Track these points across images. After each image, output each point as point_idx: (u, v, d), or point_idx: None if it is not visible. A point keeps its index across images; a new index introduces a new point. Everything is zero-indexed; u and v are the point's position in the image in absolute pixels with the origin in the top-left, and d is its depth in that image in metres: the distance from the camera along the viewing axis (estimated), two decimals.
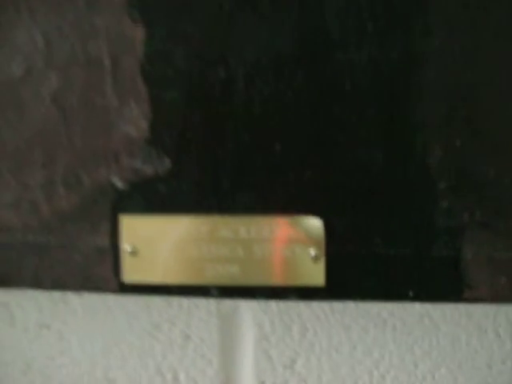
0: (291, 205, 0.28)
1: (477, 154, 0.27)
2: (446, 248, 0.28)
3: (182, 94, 0.28)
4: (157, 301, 0.33)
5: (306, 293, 0.28)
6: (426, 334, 0.32)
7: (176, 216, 0.28)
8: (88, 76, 0.28)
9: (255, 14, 0.27)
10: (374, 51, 0.27)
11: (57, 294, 0.33)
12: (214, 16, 0.27)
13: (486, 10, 0.26)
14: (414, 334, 0.33)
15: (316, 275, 0.28)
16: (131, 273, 0.28)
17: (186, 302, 0.33)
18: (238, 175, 0.28)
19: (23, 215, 0.29)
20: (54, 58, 0.28)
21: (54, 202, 0.29)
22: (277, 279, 0.28)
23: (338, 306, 0.32)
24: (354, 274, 0.28)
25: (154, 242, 0.28)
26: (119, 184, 0.28)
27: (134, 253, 0.28)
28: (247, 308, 0.33)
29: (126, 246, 0.28)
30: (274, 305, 0.33)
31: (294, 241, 0.28)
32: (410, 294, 0.28)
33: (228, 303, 0.33)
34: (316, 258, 0.28)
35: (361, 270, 0.28)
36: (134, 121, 0.28)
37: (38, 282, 0.29)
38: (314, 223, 0.28)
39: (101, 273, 0.29)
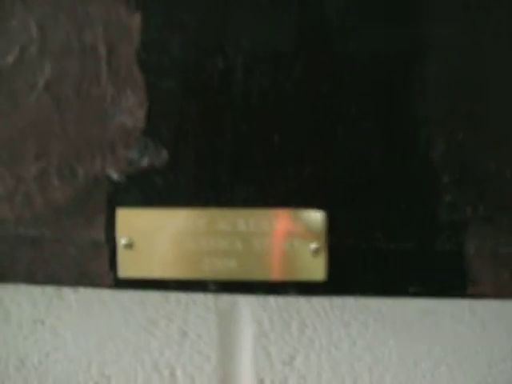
0: (291, 198, 0.28)
1: (480, 148, 0.27)
2: (449, 242, 0.27)
3: (179, 84, 0.27)
4: (153, 296, 0.33)
5: (305, 288, 0.28)
6: (426, 330, 0.32)
7: (173, 209, 0.28)
8: (83, 64, 0.28)
9: (253, 3, 0.27)
10: (374, 42, 0.27)
11: (51, 289, 0.33)
12: (212, 4, 0.27)
13: (489, 4, 0.26)
14: (415, 331, 0.32)
15: (316, 270, 0.28)
16: (127, 267, 0.28)
17: (183, 297, 0.33)
18: (237, 167, 0.28)
19: (16, 208, 0.29)
20: (47, 46, 0.28)
21: (47, 195, 0.29)
22: (276, 274, 0.28)
23: (337, 301, 0.32)
24: (354, 269, 0.28)
25: (151, 235, 0.28)
26: (115, 176, 0.28)
27: (130, 247, 0.28)
28: (246, 304, 0.33)
29: (121, 240, 0.28)
30: (272, 301, 0.32)
31: (294, 234, 0.28)
32: (412, 289, 0.28)
33: (226, 299, 0.33)
34: (316, 252, 0.27)
35: (362, 265, 0.28)
36: (130, 110, 0.28)
37: (32, 276, 0.29)
38: (315, 216, 0.27)
39: (96, 267, 0.29)
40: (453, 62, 0.27)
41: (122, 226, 0.28)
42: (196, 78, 0.27)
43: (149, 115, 0.28)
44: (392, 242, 0.28)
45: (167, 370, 0.34)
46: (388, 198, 0.28)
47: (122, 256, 0.28)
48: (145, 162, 0.28)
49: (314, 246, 0.27)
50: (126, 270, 0.28)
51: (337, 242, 0.28)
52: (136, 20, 0.27)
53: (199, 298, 0.33)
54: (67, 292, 0.33)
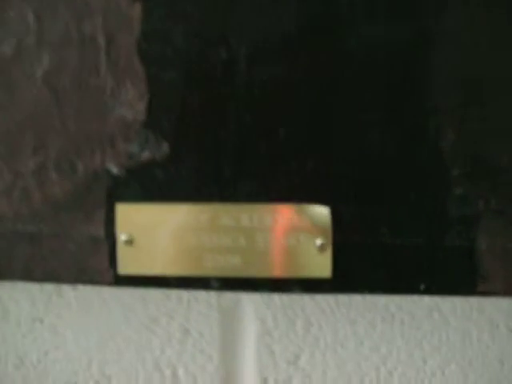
0: (295, 192, 0.27)
1: (492, 139, 0.27)
2: (460, 238, 0.27)
3: (180, 75, 0.27)
4: (154, 293, 0.33)
5: (310, 285, 0.28)
6: (435, 328, 0.32)
7: (175, 204, 0.28)
8: (81, 55, 0.27)
9: None
10: (383, 31, 0.26)
11: (50, 287, 0.33)
12: None
13: None
14: (423, 329, 0.32)
15: (322, 266, 0.27)
16: (127, 264, 0.28)
17: (185, 294, 0.33)
18: (240, 161, 0.27)
19: (14, 203, 0.28)
20: (45, 36, 0.27)
21: (46, 189, 0.28)
22: (280, 271, 0.28)
23: (343, 299, 0.32)
24: (361, 266, 0.28)
25: (152, 231, 0.28)
26: (115, 170, 0.28)
27: (130, 243, 0.28)
28: (249, 301, 0.32)
29: (121, 236, 0.28)
30: (277, 298, 0.32)
31: (299, 230, 0.27)
32: (421, 286, 0.28)
33: (229, 296, 0.32)
34: (322, 249, 0.27)
35: (369, 262, 0.28)
36: (131, 103, 0.27)
37: (30, 273, 0.29)
38: (321, 211, 0.27)
39: (95, 264, 0.29)
40: (465, 50, 0.26)
41: (122, 221, 0.28)
42: (198, 68, 0.27)
43: (149, 107, 0.27)
44: (400, 237, 0.27)
45: (169, 369, 0.34)
46: (395, 192, 0.27)
47: (122, 252, 0.28)
48: (145, 156, 0.28)
49: (319, 241, 0.27)
50: (126, 266, 0.28)
51: (343, 238, 0.27)
52: (136, 9, 0.27)
53: (201, 295, 0.33)
54: (66, 289, 0.33)
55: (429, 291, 0.28)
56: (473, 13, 0.26)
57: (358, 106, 0.27)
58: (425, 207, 0.27)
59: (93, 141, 0.28)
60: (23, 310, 0.34)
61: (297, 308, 0.32)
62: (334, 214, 0.27)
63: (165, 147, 0.28)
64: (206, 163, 0.28)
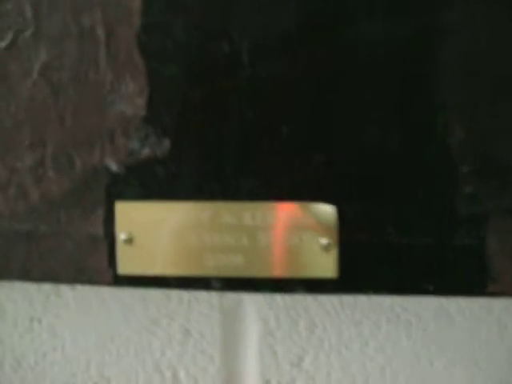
0: (299, 190, 0.27)
1: (502, 136, 0.27)
2: (469, 237, 0.27)
3: (182, 69, 0.27)
4: (154, 293, 0.33)
5: (315, 285, 0.28)
6: (442, 329, 0.32)
7: (175, 202, 0.28)
8: (80, 49, 0.27)
9: None
10: (389, 23, 0.26)
11: (48, 286, 0.33)
12: None
13: None
14: (429, 330, 0.32)
15: (327, 266, 0.27)
16: (127, 263, 0.28)
17: (185, 294, 0.33)
18: (243, 157, 0.27)
19: (10, 200, 0.28)
20: (43, 29, 0.27)
21: (43, 186, 0.28)
22: (284, 270, 0.27)
23: (348, 299, 0.32)
24: (367, 266, 0.27)
25: (152, 230, 0.28)
26: (114, 167, 0.28)
27: (129, 242, 0.28)
28: (251, 301, 0.32)
29: (121, 235, 0.28)
30: (279, 298, 0.32)
31: (303, 229, 0.27)
32: (429, 287, 0.27)
33: (231, 296, 0.32)
34: (327, 248, 0.27)
35: (375, 261, 0.27)
36: (130, 97, 0.27)
37: (27, 273, 0.29)
38: (326, 210, 0.27)
39: (94, 263, 0.29)
40: (474, 43, 0.26)
41: (122, 219, 0.28)
42: (200, 62, 0.27)
43: (150, 102, 0.27)
44: (408, 236, 0.27)
45: (169, 370, 0.34)
46: (403, 190, 0.27)
47: (122, 252, 0.28)
48: (145, 152, 0.28)
49: (324, 241, 0.27)
50: (125, 266, 0.28)
51: (348, 237, 0.27)
52: (136, 1, 0.27)
53: (202, 295, 0.33)
54: (65, 289, 0.33)
55: (437, 292, 0.28)
56: (484, 7, 0.26)
57: (363, 102, 0.27)
58: (433, 206, 0.27)
59: (91, 137, 0.28)
60: (20, 309, 0.34)
61: (300, 308, 0.32)
62: (340, 213, 0.27)
63: (165, 143, 0.27)
64: (208, 160, 0.27)
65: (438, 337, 0.32)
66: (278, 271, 0.27)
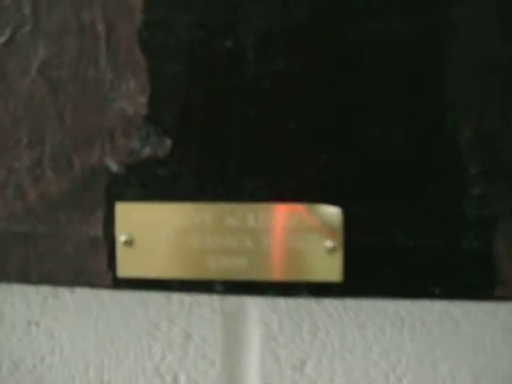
0: (304, 191, 0.27)
1: (510, 137, 0.27)
2: (477, 240, 0.27)
3: (184, 67, 0.27)
4: (155, 296, 0.32)
5: (320, 289, 0.28)
6: (446, 333, 0.32)
7: (177, 203, 0.28)
8: (80, 45, 0.27)
9: None
10: (398, 20, 0.26)
11: (46, 289, 0.33)
12: None
13: None
14: (434, 334, 0.32)
15: (331, 269, 0.27)
16: (127, 266, 0.28)
17: (186, 298, 0.32)
18: (246, 158, 0.27)
19: (7, 201, 0.28)
20: (41, 26, 0.27)
21: (41, 187, 0.28)
22: (288, 274, 0.27)
23: (352, 303, 0.32)
24: (373, 269, 0.27)
25: (153, 231, 0.28)
26: (114, 167, 0.28)
27: (130, 244, 0.28)
28: (253, 305, 0.32)
29: (121, 237, 0.28)
30: (282, 302, 0.32)
31: (308, 231, 0.27)
32: (436, 290, 0.27)
33: (233, 300, 0.32)
34: (332, 251, 0.27)
35: (382, 264, 0.27)
36: (131, 96, 0.27)
37: (25, 275, 0.29)
38: (331, 212, 0.27)
39: (93, 266, 0.28)
40: (484, 40, 0.26)
41: (122, 221, 0.28)
42: (203, 60, 0.27)
43: (151, 101, 0.27)
44: (414, 239, 0.27)
45: (169, 375, 0.33)
46: (410, 191, 0.27)
47: (122, 254, 0.28)
48: (146, 152, 0.28)
49: (329, 243, 0.27)
50: (125, 268, 0.28)
51: (353, 239, 0.27)
52: None
53: (204, 298, 0.32)
54: (63, 292, 0.33)
55: (443, 296, 0.28)
56: (495, 4, 0.26)
57: (370, 101, 0.27)
58: (440, 207, 0.27)
59: (91, 136, 0.28)
60: (18, 312, 0.33)
61: (303, 312, 0.32)
62: (345, 214, 0.27)
63: (167, 143, 0.27)
64: (210, 160, 0.27)
65: (443, 341, 0.32)
66: (281, 274, 0.27)
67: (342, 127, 0.27)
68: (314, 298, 0.31)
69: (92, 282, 0.28)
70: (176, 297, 0.32)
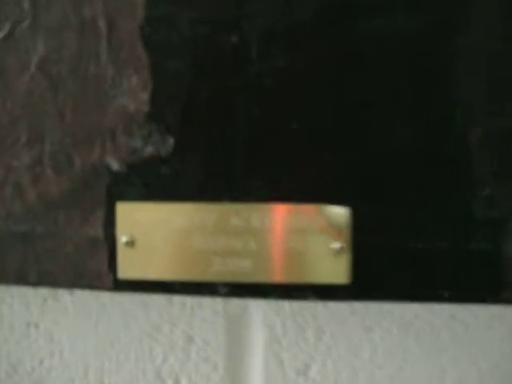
0: (310, 191, 0.27)
1: None
2: (485, 242, 0.27)
3: (187, 63, 0.27)
4: (156, 299, 0.33)
5: (326, 292, 0.27)
6: (454, 337, 0.32)
7: (180, 203, 0.27)
8: (80, 41, 0.27)
9: None
10: (405, 17, 0.26)
11: (45, 290, 0.33)
12: None
13: None
14: (441, 338, 0.32)
15: (338, 272, 0.27)
16: (128, 267, 0.28)
17: (188, 300, 0.32)
18: (251, 157, 0.27)
19: (6, 200, 0.28)
20: (41, 21, 0.27)
21: (40, 186, 0.28)
22: (294, 276, 0.27)
23: (358, 305, 0.32)
24: (381, 271, 0.27)
25: (155, 232, 0.27)
26: (115, 165, 0.28)
27: (131, 244, 0.28)
28: (257, 307, 0.32)
29: (122, 237, 0.28)
30: (286, 304, 0.32)
31: (315, 232, 0.27)
32: (444, 293, 0.27)
33: (236, 302, 0.32)
34: (339, 252, 0.27)
35: (389, 267, 0.27)
36: (133, 93, 0.27)
37: (24, 277, 0.29)
38: (339, 212, 0.27)
39: (94, 267, 0.28)
40: (493, 37, 0.26)
41: (123, 221, 0.28)
42: (206, 56, 0.27)
43: (153, 98, 0.27)
44: (422, 240, 0.27)
45: (171, 378, 0.33)
46: (418, 192, 0.27)
47: (123, 255, 0.28)
48: (148, 151, 0.27)
49: (336, 245, 0.27)
50: (126, 270, 0.28)
51: (361, 240, 0.27)
52: None
53: (206, 300, 0.32)
54: (63, 293, 0.33)
55: (452, 299, 0.27)
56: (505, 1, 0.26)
57: (378, 100, 0.27)
58: (449, 208, 0.27)
59: (92, 134, 0.28)
60: (17, 314, 0.33)
61: (307, 314, 0.32)
62: (352, 215, 0.27)
63: (169, 141, 0.27)
64: (214, 159, 0.27)
65: (451, 345, 0.32)
66: (287, 276, 0.27)
67: (349, 127, 0.27)
68: (320, 302, 0.31)
69: (92, 284, 0.28)
70: (178, 299, 0.32)
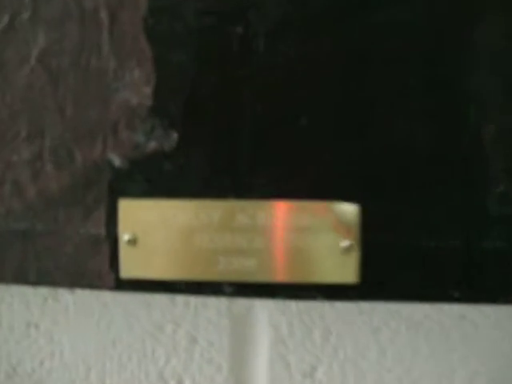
0: (318, 188, 0.27)
1: None
2: (500, 240, 0.26)
3: (191, 56, 0.27)
4: (159, 298, 0.33)
5: (334, 292, 0.27)
6: (464, 337, 0.31)
7: (183, 200, 0.27)
8: (81, 33, 0.27)
9: None
10: (419, 8, 0.26)
11: (46, 290, 0.33)
12: None
13: None
14: (451, 338, 0.32)
15: (347, 271, 0.27)
16: (130, 266, 0.28)
17: (192, 299, 0.32)
18: (257, 152, 0.27)
19: (5, 197, 0.28)
20: (41, 12, 0.27)
21: (40, 182, 0.28)
22: (301, 275, 0.27)
23: (365, 305, 0.31)
24: (391, 270, 0.27)
25: (158, 230, 0.27)
26: (117, 161, 0.28)
27: (133, 243, 0.27)
28: (262, 307, 0.32)
29: (124, 235, 0.27)
30: (292, 304, 0.32)
31: (323, 230, 0.26)
32: (457, 294, 0.27)
33: (241, 302, 0.32)
34: (347, 250, 0.26)
35: (399, 266, 0.27)
36: (136, 86, 0.27)
37: (23, 276, 0.29)
38: (348, 209, 0.26)
39: (95, 266, 0.28)
40: (509, 36, 0.26)
41: (125, 218, 0.27)
42: (211, 48, 0.26)
43: (156, 91, 0.27)
44: (434, 239, 0.26)
45: (174, 379, 0.33)
46: (430, 190, 0.26)
47: (125, 253, 0.28)
48: (151, 146, 0.27)
49: (345, 243, 0.26)
50: (128, 269, 0.28)
51: (370, 238, 0.26)
52: None
53: (210, 300, 0.32)
54: (63, 293, 0.33)
55: (464, 299, 0.27)
56: None
57: (389, 95, 0.26)
58: (462, 206, 0.26)
59: (93, 128, 0.27)
60: (16, 314, 0.33)
61: (314, 315, 0.32)
62: (362, 213, 0.26)
63: (173, 136, 0.27)
64: (219, 155, 0.27)
65: (460, 345, 0.32)
66: (293, 276, 0.27)
67: (360, 122, 0.26)
68: (328, 302, 0.31)
69: (93, 284, 0.28)
70: (181, 298, 0.32)
